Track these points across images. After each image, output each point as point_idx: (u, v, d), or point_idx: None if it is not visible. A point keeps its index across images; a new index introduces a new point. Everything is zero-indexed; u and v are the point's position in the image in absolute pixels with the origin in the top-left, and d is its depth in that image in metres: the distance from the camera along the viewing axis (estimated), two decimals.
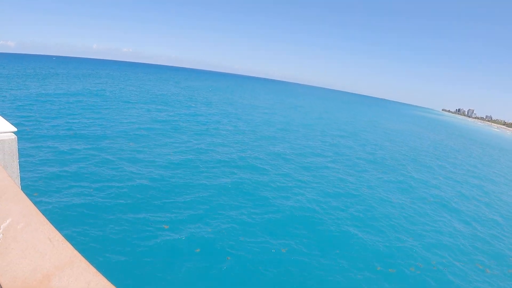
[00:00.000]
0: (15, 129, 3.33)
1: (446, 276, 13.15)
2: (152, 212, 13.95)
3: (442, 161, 37.95)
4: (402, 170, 28.81)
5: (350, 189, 21.27)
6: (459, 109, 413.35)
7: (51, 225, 1.68)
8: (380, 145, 40.48)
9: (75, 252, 1.50)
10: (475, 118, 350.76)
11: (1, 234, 1.60)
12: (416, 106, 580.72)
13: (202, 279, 10.37)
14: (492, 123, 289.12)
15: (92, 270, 1.40)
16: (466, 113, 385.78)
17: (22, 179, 3.72)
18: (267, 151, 27.21)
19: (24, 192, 2.23)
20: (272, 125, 41.52)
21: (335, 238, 14.30)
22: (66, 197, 14.21)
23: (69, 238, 1.53)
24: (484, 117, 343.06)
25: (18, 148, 3.31)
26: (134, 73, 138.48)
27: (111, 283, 1.35)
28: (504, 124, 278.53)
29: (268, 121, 44.28)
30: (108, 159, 19.73)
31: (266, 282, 10.73)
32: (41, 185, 15.13)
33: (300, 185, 20.25)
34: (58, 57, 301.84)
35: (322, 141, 35.99)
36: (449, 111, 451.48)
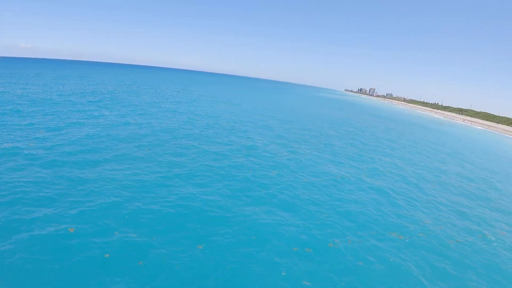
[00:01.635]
0: None
1: (362, 248, 13.43)
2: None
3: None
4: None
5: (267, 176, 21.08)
6: (360, 89, 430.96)
7: None
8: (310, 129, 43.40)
9: None
10: (376, 96, 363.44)
11: None
12: (321, 88, 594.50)
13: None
14: (393, 100, 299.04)
15: None
16: (367, 92, 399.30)
17: None
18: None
19: None
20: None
21: (249, 225, 14.18)
22: None
23: None
24: (385, 95, 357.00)
25: None
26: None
27: None
28: (404, 100, 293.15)
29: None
30: None
31: (184, 281, 10.18)
32: None
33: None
34: None
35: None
36: (351, 91, 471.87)
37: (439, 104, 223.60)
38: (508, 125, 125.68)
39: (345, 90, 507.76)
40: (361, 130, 50.66)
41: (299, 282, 10.66)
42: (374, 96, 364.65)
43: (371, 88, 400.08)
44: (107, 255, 10.78)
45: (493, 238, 16.53)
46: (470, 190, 24.73)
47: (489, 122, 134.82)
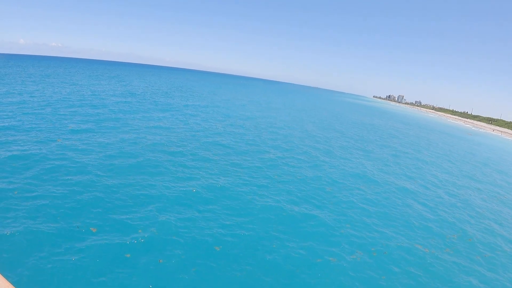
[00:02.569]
0: None
1: (387, 261, 13.75)
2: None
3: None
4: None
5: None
6: (389, 96, 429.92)
7: None
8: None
9: None
10: (405, 103, 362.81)
11: None
12: (349, 93, 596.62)
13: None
14: (421, 108, 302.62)
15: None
16: (396, 99, 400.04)
17: None
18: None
19: None
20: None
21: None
22: None
23: None
24: (414, 102, 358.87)
25: None
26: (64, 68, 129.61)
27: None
28: (433, 108, 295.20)
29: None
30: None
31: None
32: None
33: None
34: None
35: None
36: (380, 97, 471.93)
37: (468, 113, 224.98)
38: None
39: (373, 96, 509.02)
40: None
41: None
42: (403, 104, 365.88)
43: (399, 95, 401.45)
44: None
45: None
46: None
47: None
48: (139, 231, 12.78)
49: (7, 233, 11.39)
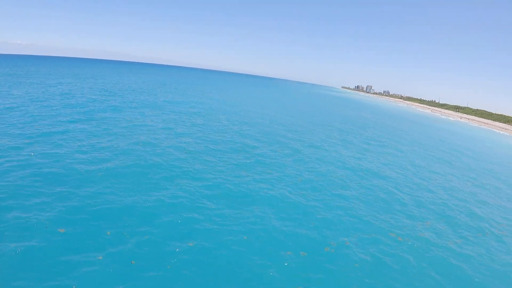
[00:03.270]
0: None
1: (359, 252, 13.63)
2: None
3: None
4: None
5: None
6: (357, 86, 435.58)
7: None
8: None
9: None
10: (374, 93, 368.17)
11: None
12: (318, 85, 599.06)
13: None
14: (390, 98, 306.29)
15: None
16: (365, 89, 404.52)
17: None
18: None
19: None
20: None
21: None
22: None
23: None
24: (382, 92, 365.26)
25: None
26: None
27: None
28: (401, 97, 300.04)
29: None
30: None
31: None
32: None
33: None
34: None
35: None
36: (348, 88, 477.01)
37: (436, 101, 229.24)
38: (504, 122, 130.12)
39: (342, 87, 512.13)
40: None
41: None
42: (371, 94, 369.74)
43: (368, 85, 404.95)
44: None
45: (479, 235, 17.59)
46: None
47: (486, 119, 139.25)
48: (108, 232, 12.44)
49: None
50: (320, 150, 31.02)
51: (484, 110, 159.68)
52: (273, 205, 17.01)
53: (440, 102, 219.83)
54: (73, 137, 23.92)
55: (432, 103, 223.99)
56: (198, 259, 11.59)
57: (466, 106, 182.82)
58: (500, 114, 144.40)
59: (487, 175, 32.67)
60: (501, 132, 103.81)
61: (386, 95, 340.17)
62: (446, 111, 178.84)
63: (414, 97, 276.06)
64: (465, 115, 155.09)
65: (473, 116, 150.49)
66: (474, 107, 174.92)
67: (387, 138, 46.67)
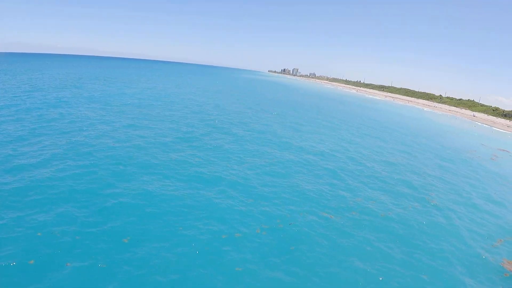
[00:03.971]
0: None
1: (297, 230, 13.76)
2: None
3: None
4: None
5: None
6: (284, 69, 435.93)
7: None
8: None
9: None
10: (300, 76, 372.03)
11: None
12: (245, 69, 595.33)
13: None
14: (316, 79, 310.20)
15: None
16: (291, 72, 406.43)
17: None
18: None
19: None
20: None
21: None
22: None
23: None
24: (309, 75, 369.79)
25: None
26: None
27: None
28: (327, 79, 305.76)
29: None
30: None
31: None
32: None
33: None
34: None
35: None
36: (275, 71, 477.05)
37: (361, 82, 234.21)
38: (427, 100, 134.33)
39: (268, 71, 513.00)
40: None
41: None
42: (298, 76, 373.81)
43: (294, 68, 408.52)
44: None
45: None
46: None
47: (410, 97, 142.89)
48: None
49: None
50: (255, 132, 31.01)
51: (408, 89, 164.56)
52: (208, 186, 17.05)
53: (365, 83, 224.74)
54: None
55: (357, 84, 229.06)
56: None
57: (390, 85, 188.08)
58: (423, 92, 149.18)
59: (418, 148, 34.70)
60: (425, 109, 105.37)
61: (312, 77, 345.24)
62: (372, 90, 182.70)
63: (339, 78, 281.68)
64: (390, 94, 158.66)
65: (398, 95, 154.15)
66: (398, 86, 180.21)
67: (321, 119, 46.96)
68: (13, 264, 10.04)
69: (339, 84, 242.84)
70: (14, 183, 15.68)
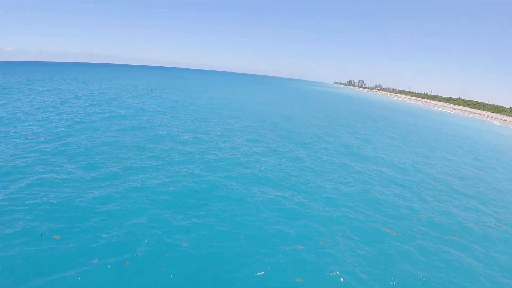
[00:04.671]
0: None
1: (357, 245, 13.62)
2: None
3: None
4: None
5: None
6: (349, 81, 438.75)
7: None
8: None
9: None
10: (366, 88, 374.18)
11: None
12: (309, 81, 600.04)
13: None
14: (382, 91, 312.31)
15: None
16: (357, 84, 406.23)
17: None
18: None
19: None
20: None
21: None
22: None
23: None
24: (374, 86, 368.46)
25: None
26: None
27: None
28: (393, 91, 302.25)
29: None
30: None
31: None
32: None
33: None
34: None
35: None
36: (340, 83, 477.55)
37: (428, 93, 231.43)
38: (496, 112, 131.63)
39: (334, 82, 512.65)
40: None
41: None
42: (364, 88, 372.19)
43: (360, 80, 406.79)
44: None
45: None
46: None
47: (478, 110, 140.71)
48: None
49: None
50: (324, 143, 32.58)
51: (476, 101, 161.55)
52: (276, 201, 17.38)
53: (432, 94, 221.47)
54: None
55: (424, 96, 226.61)
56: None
57: (458, 97, 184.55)
58: (492, 105, 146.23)
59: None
60: (495, 123, 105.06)
61: (378, 89, 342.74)
62: (439, 103, 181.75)
63: (405, 90, 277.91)
64: (457, 106, 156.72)
65: (466, 107, 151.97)
66: (466, 98, 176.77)
67: (390, 131, 47.66)
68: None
69: (405, 96, 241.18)
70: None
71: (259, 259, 11.84)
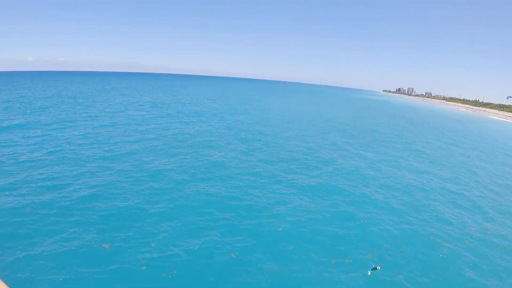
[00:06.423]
0: None
1: (405, 257, 13.56)
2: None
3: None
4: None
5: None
6: (399, 89, 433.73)
7: None
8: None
9: None
10: (415, 95, 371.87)
11: None
12: (358, 89, 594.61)
13: None
14: (432, 99, 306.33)
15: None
16: (406, 91, 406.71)
17: None
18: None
19: None
20: None
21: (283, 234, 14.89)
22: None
23: None
24: (424, 94, 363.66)
25: None
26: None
27: None
28: (443, 98, 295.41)
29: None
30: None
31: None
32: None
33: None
34: None
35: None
36: (389, 91, 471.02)
37: (479, 101, 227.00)
38: None
39: (383, 90, 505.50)
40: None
41: None
42: (413, 96, 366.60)
43: (409, 88, 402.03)
44: None
45: None
46: None
47: None
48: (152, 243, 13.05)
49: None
50: (380, 154, 33.41)
51: None
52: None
53: (484, 102, 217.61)
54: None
55: (476, 103, 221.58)
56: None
57: (511, 104, 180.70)
58: None
59: None
60: None
61: (428, 97, 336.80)
62: (491, 110, 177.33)
63: (456, 97, 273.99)
64: (511, 114, 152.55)
65: None
66: None
67: (445, 141, 48.02)
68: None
69: (455, 103, 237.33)
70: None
71: (313, 269, 12.23)
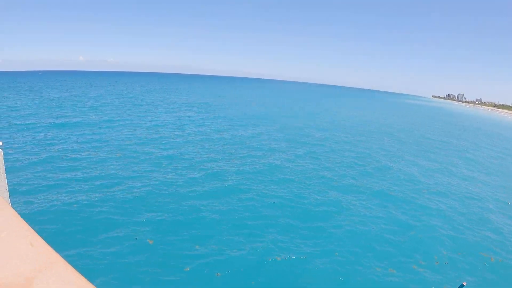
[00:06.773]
0: (1, 143, 3.68)
1: (451, 270, 13.29)
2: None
3: None
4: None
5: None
6: (448, 95, 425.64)
7: (32, 230, 1.76)
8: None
9: (55, 254, 1.60)
10: (465, 102, 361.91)
11: None
12: (405, 94, 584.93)
13: None
14: (485, 106, 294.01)
15: (71, 270, 1.49)
16: (456, 97, 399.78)
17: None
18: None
19: (12, 197, 2.57)
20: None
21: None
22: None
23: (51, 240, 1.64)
24: (475, 100, 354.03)
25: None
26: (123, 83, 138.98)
27: (90, 282, 1.45)
28: (495, 106, 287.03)
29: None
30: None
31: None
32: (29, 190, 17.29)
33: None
34: (44, 72, 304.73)
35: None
36: (439, 97, 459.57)
37: None
38: None
39: (432, 96, 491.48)
40: None
41: None
42: (463, 102, 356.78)
43: (459, 94, 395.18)
44: None
45: None
46: None
47: None
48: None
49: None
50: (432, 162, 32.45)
51: None
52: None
53: None
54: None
55: None
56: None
57: None
58: None
59: None
60: None
61: (478, 103, 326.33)
62: None
63: (508, 104, 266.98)
64: None
65: None
66: None
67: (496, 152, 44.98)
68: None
69: (507, 111, 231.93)
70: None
71: (359, 271, 12.42)
